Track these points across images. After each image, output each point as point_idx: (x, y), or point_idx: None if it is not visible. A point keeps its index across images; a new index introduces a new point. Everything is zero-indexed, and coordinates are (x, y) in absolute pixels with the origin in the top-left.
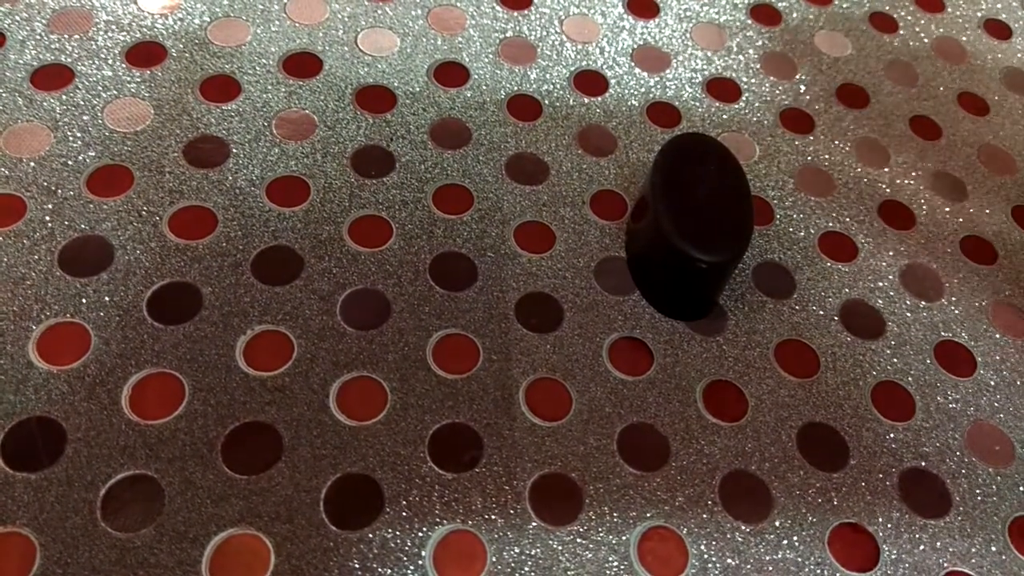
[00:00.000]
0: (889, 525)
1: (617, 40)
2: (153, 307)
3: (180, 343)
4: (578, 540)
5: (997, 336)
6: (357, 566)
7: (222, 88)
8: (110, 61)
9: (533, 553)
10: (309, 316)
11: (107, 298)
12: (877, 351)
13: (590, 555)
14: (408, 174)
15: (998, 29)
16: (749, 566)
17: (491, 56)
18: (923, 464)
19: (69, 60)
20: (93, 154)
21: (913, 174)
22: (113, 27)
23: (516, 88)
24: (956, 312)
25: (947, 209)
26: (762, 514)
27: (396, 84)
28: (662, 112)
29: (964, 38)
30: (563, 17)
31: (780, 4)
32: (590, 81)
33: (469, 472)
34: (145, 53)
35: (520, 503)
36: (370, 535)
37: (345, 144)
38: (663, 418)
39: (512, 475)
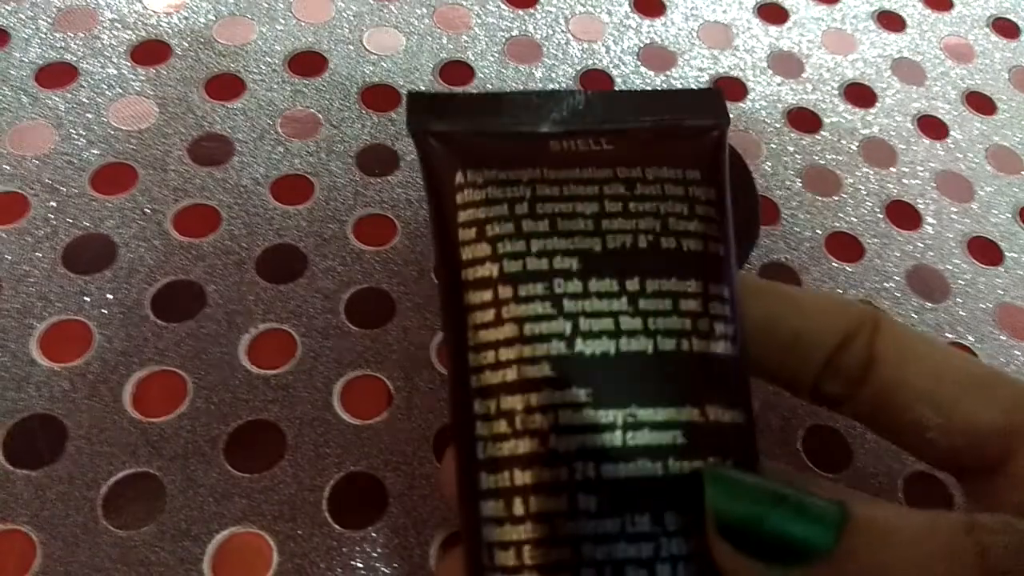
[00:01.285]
0: None
1: (623, 39)
2: (156, 305)
3: (183, 341)
4: None
5: (1003, 338)
6: (360, 565)
7: (227, 86)
8: (115, 59)
9: None
10: (313, 314)
11: (110, 296)
12: None
13: None
14: (413, 172)
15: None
16: None
17: (497, 55)
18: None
19: (74, 58)
20: (97, 152)
21: (920, 173)
22: (118, 25)
23: (522, 87)
24: (962, 314)
25: (954, 210)
26: None
27: (401, 83)
28: None
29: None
30: (569, 16)
31: (787, 3)
32: (596, 80)
33: None
34: (150, 51)
35: None
36: (373, 534)
37: (350, 143)
38: None
39: None
